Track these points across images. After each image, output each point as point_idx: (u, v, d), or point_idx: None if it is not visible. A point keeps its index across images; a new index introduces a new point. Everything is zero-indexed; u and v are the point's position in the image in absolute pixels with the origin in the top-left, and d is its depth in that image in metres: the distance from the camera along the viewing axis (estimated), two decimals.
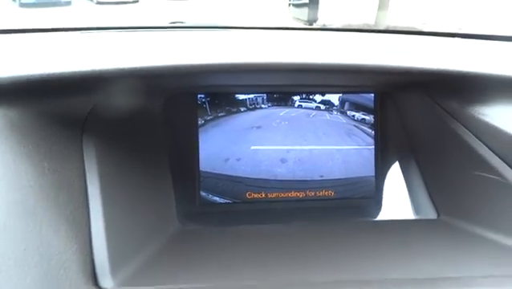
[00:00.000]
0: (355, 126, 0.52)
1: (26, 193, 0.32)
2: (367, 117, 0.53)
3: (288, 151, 0.52)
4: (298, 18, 7.55)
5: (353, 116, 0.52)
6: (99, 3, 12.89)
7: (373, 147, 0.56)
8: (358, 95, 0.53)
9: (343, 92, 0.57)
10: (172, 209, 0.50)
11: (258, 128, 0.53)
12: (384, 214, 0.54)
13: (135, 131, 0.47)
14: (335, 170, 0.53)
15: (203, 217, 0.53)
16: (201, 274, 0.39)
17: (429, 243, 0.46)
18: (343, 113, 0.53)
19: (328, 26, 6.61)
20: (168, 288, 0.33)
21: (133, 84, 0.44)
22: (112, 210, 0.39)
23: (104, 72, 0.39)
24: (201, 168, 0.53)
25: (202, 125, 0.52)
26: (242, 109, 0.53)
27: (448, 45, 0.74)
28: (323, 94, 0.56)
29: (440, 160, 0.51)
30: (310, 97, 0.54)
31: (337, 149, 0.52)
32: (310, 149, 0.52)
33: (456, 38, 0.82)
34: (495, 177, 0.44)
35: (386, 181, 0.56)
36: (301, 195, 0.54)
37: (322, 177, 0.54)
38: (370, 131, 0.54)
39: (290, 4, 8.23)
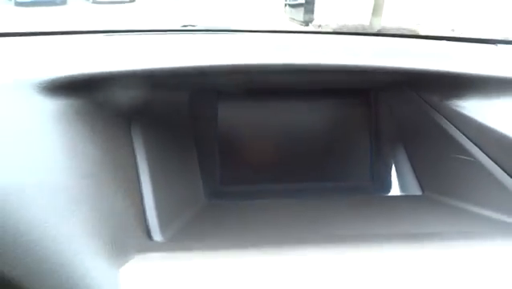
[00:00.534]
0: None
1: (93, 170, 0.40)
2: None
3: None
4: (294, 19, 7.63)
5: None
6: (95, 2, 12.86)
7: (369, 138, 0.65)
8: None
9: (343, 89, 0.65)
10: (200, 186, 0.58)
11: None
12: (377, 192, 0.63)
13: (167, 120, 0.55)
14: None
15: (224, 194, 0.61)
16: (228, 235, 0.47)
17: (414, 211, 0.55)
18: None
19: (329, 30, 6.70)
20: (205, 244, 0.41)
21: (165, 81, 0.53)
22: (156, 184, 0.47)
23: (149, 71, 0.48)
24: (219, 159, 0.62)
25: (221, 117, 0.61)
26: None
27: (434, 47, 0.82)
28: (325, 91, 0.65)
29: (424, 145, 0.60)
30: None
31: None
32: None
33: (443, 41, 0.91)
34: (469, 158, 0.53)
35: (379, 164, 0.65)
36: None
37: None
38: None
39: (286, 5, 8.31)
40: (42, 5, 11.90)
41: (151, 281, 0.35)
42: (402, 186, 0.62)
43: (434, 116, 0.57)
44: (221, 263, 0.37)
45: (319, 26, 7.04)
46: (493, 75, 0.56)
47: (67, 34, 0.86)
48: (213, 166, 0.62)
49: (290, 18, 7.88)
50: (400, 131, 0.64)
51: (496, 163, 0.51)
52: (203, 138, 0.61)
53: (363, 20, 7.07)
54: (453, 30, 6.18)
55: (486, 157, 0.52)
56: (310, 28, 6.93)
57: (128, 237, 0.39)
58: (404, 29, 6.17)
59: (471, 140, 0.53)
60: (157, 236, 0.43)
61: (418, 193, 0.60)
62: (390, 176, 0.64)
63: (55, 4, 12.44)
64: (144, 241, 0.42)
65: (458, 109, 0.54)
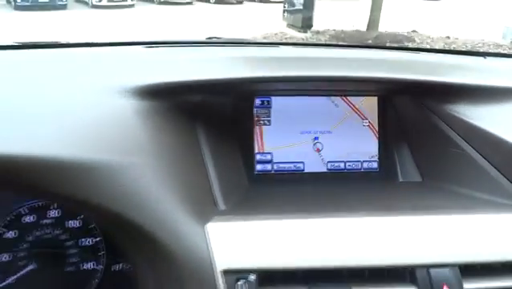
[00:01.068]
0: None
1: (172, 153, 0.53)
2: None
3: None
4: (293, 25, 7.80)
5: None
6: (94, 7, 13.01)
7: (377, 135, 0.78)
8: None
9: (354, 95, 0.78)
10: (243, 172, 0.71)
11: None
12: (384, 179, 0.76)
13: (220, 116, 0.68)
14: None
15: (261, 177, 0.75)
16: (278, 203, 0.61)
17: (416, 192, 0.68)
18: None
19: (327, 36, 6.85)
20: (259, 211, 0.54)
21: (217, 88, 0.66)
22: (216, 165, 0.60)
23: (209, 81, 0.61)
24: (256, 151, 0.75)
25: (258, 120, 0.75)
26: None
27: (431, 59, 0.96)
28: (338, 96, 0.78)
29: (424, 141, 0.73)
30: None
31: None
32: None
33: (438, 54, 1.04)
34: (460, 151, 0.66)
35: (386, 157, 0.78)
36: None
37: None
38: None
39: (284, 11, 8.50)
40: (42, 9, 11.96)
41: (229, 237, 0.48)
42: (405, 175, 0.75)
43: (432, 117, 0.70)
44: (278, 225, 0.50)
45: (318, 32, 7.20)
46: (482, 85, 0.70)
47: (110, 45, 0.99)
48: (251, 159, 0.75)
49: (289, 25, 8.03)
50: (403, 130, 0.77)
51: (482, 155, 0.65)
52: (244, 135, 0.74)
53: (360, 26, 7.26)
54: (448, 38, 6.38)
55: (474, 150, 0.65)
56: (308, 34, 7.08)
57: (202, 204, 0.52)
58: (400, 35, 6.34)
59: (462, 137, 0.66)
60: (221, 206, 0.56)
61: (419, 180, 0.73)
62: (395, 166, 0.77)
63: (55, 8, 12.50)
64: (214, 209, 0.55)
65: (452, 112, 0.67)
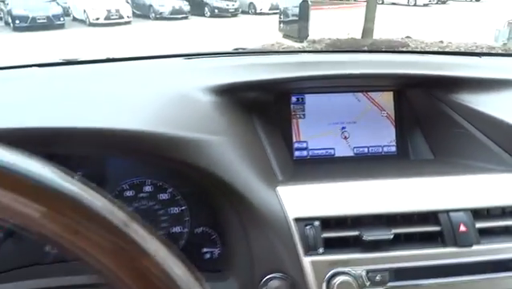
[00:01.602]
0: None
1: (246, 136, 0.69)
2: None
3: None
4: (289, 36, 8.02)
5: None
6: (91, 25, 13.22)
7: (394, 124, 0.93)
8: None
9: (373, 91, 0.94)
10: (288, 156, 0.86)
11: None
12: (401, 158, 0.91)
13: (266, 112, 0.83)
14: None
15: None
16: (323, 177, 0.75)
17: (431, 164, 0.83)
18: None
19: (323, 45, 7.05)
20: (314, 180, 0.69)
21: (265, 87, 0.81)
22: (270, 148, 0.74)
23: (261, 81, 0.77)
24: (294, 140, 0.90)
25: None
26: None
27: (433, 59, 1.12)
28: (359, 92, 0.94)
29: (435, 126, 0.88)
30: None
31: None
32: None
33: (439, 55, 1.20)
34: (464, 131, 0.81)
35: (402, 140, 0.93)
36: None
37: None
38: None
39: (280, 22, 8.72)
40: (41, 29, 12.10)
41: (295, 195, 0.63)
42: (419, 154, 0.90)
43: (440, 105, 0.86)
44: (330, 186, 0.65)
45: (314, 41, 7.41)
46: (481, 77, 0.86)
47: (153, 58, 1.14)
48: (290, 146, 0.90)
49: (285, 35, 8.23)
50: (416, 118, 0.92)
51: (483, 133, 0.80)
52: (284, 126, 0.89)
53: (354, 35, 7.49)
54: (441, 42, 6.60)
55: (476, 130, 0.81)
56: (305, 44, 7.28)
57: (268, 175, 0.67)
58: (394, 41, 6.56)
59: (466, 120, 0.82)
60: (280, 177, 0.71)
61: (431, 157, 0.88)
62: (411, 148, 0.92)
63: (53, 28, 12.63)
64: (275, 178, 0.70)
65: (457, 100, 0.83)
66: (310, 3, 7.58)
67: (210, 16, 14.19)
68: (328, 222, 0.61)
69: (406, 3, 15.63)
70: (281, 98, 0.90)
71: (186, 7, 13.85)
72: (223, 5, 14.18)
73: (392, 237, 0.60)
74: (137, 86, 0.74)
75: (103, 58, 1.17)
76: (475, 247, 0.60)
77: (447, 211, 0.62)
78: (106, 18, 13.40)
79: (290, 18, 8.34)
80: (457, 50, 5.66)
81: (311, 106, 0.93)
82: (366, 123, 0.94)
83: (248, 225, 0.60)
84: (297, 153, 0.92)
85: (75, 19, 14.18)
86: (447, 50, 5.78)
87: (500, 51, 6.23)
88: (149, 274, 0.25)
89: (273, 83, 0.83)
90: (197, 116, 0.64)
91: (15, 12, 12.51)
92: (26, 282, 0.64)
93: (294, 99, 0.92)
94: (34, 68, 0.97)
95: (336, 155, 0.94)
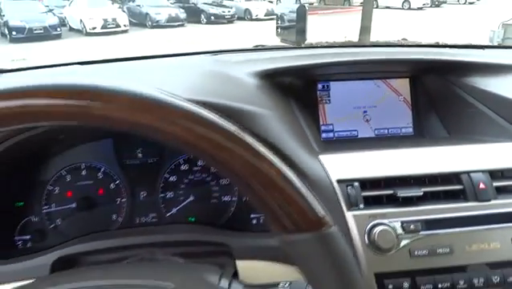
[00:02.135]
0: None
1: (286, 113, 0.78)
2: None
3: None
4: (287, 40, 8.13)
5: None
6: (88, 34, 13.32)
7: (411, 107, 1.03)
8: None
9: (391, 78, 1.03)
10: (318, 137, 0.95)
11: None
12: (418, 138, 1.01)
13: (299, 96, 0.92)
14: None
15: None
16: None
17: (446, 140, 0.93)
18: None
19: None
20: (349, 149, 0.78)
21: (298, 73, 0.91)
22: (306, 126, 0.84)
23: (294, 67, 0.87)
24: (321, 123, 1.00)
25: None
26: None
27: (441, 51, 1.22)
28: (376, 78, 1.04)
29: (449, 107, 0.97)
30: None
31: None
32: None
33: (445, 48, 1.30)
34: (476, 110, 0.91)
35: (418, 122, 1.03)
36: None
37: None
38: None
39: (277, 27, 8.85)
40: (37, 40, 12.16)
41: (335, 161, 0.72)
42: (435, 134, 0.99)
43: (453, 88, 0.96)
44: (363, 153, 0.75)
45: (311, 44, 7.54)
46: (491, 62, 0.96)
47: (182, 55, 1.23)
48: (317, 127, 1.00)
49: (283, 40, 8.34)
50: (430, 101, 1.02)
51: (492, 110, 0.90)
52: (310, 111, 0.99)
53: (351, 37, 7.63)
54: (437, 43, 6.73)
55: (486, 108, 0.90)
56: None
57: (308, 146, 0.77)
58: (391, 43, 6.67)
59: (477, 100, 0.91)
60: (317, 149, 0.80)
61: (446, 136, 0.98)
62: (427, 129, 1.02)
63: (50, 38, 12.70)
64: (314, 150, 0.79)
65: (469, 83, 0.92)
66: (306, 8, 7.70)
67: (206, 23, 14.32)
68: (365, 183, 0.70)
69: (400, 7, 15.87)
70: (309, 85, 1.00)
71: (182, 15, 13.96)
72: (219, 11, 14.31)
73: (421, 194, 0.69)
74: (186, 73, 0.83)
75: (136, 56, 1.26)
76: (493, 202, 0.70)
77: (468, 172, 0.71)
78: (103, 28, 13.49)
79: (288, 23, 8.46)
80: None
81: (336, 92, 1.03)
82: (385, 107, 1.04)
83: None
84: (324, 135, 1.01)
85: (71, 29, 14.27)
86: None
87: None
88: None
89: (304, 69, 0.92)
90: (247, 94, 0.74)
91: (12, 23, 12.55)
92: (97, 242, 0.72)
93: (320, 86, 1.02)
94: (75, 66, 1.05)
95: (359, 136, 1.03)
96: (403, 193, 0.69)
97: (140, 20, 14.12)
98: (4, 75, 0.88)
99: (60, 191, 0.76)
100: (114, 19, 13.36)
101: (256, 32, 10.61)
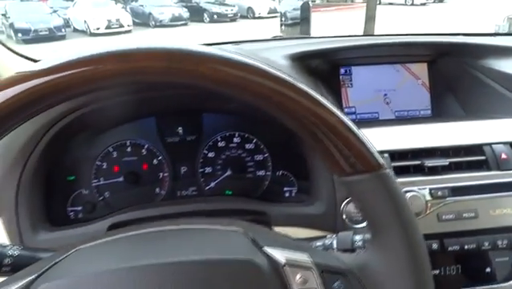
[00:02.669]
0: None
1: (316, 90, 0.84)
2: None
3: None
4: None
5: None
6: (92, 35, 13.40)
7: (429, 90, 1.08)
8: None
9: (409, 62, 1.09)
10: None
11: None
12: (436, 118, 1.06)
13: (324, 79, 0.98)
14: None
15: None
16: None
17: (462, 118, 0.98)
18: None
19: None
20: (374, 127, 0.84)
21: (323, 56, 0.97)
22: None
23: (320, 50, 0.92)
24: (344, 106, 1.05)
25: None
26: None
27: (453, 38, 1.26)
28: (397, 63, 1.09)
29: (465, 88, 1.02)
30: None
31: None
32: None
33: (458, 36, 1.35)
34: (492, 89, 0.96)
35: (436, 103, 1.08)
36: None
37: None
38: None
39: (281, 25, 8.92)
40: (43, 41, 12.24)
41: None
42: (452, 115, 1.05)
43: (470, 70, 1.01)
44: (390, 129, 0.80)
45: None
46: (505, 45, 1.01)
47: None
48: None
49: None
50: (447, 83, 1.07)
51: (508, 90, 0.95)
52: (335, 90, 1.04)
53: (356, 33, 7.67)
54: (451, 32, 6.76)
55: (502, 87, 0.95)
56: None
57: None
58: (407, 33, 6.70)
59: (493, 80, 0.97)
60: None
61: (464, 115, 1.03)
62: (444, 110, 1.07)
63: (55, 39, 12.77)
64: None
65: (485, 65, 0.97)
66: (310, 5, 7.73)
67: (209, 22, 14.36)
68: (394, 155, 0.76)
69: (403, 3, 15.84)
70: (332, 70, 1.05)
71: (186, 14, 14.01)
72: (222, 10, 14.36)
73: (447, 164, 0.74)
74: None
75: None
76: None
77: (490, 144, 0.77)
78: (107, 28, 13.53)
79: (291, 21, 8.50)
80: None
81: (357, 76, 1.08)
82: (404, 90, 1.09)
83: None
84: None
85: (75, 30, 14.34)
86: None
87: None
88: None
89: (329, 52, 0.98)
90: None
91: (17, 25, 12.62)
92: (144, 210, 0.77)
93: (342, 70, 1.07)
94: None
95: (380, 118, 1.09)
96: (430, 163, 0.74)
97: (143, 20, 14.18)
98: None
99: (108, 166, 0.81)
100: (117, 20, 13.41)
101: (259, 30, 10.65)
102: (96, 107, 0.70)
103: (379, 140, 0.78)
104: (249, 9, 14.80)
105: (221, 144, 0.85)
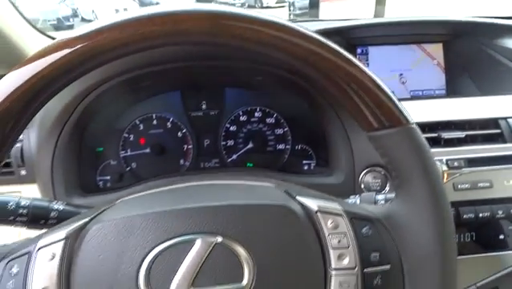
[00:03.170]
0: None
1: None
2: None
3: None
4: None
5: None
6: None
7: (444, 70, 1.10)
8: None
9: (425, 42, 1.10)
10: None
11: None
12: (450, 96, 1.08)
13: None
14: None
15: None
16: None
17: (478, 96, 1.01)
18: None
19: None
20: None
21: (342, 32, 0.99)
22: None
23: (340, 28, 0.95)
24: None
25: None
26: None
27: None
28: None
29: (480, 68, 1.04)
30: None
31: None
32: None
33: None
34: (507, 68, 0.98)
35: (451, 83, 1.10)
36: None
37: None
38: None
39: (290, 14, 8.88)
40: (52, 30, 12.29)
41: None
42: (467, 93, 1.07)
43: (486, 49, 1.02)
44: (408, 104, 0.83)
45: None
46: None
47: None
48: None
49: None
50: (462, 64, 1.09)
51: None
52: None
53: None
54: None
55: None
56: None
57: None
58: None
59: (508, 59, 0.98)
60: None
61: (479, 94, 1.05)
62: (459, 89, 1.09)
63: (63, 29, 12.79)
64: None
65: (501, 44, 0.99)
66: None
67: None
68: None
69: None
70: (348, 49, 1.07)
71: None
72: (229, 0, 14.30)
73: (463, 136, 0.77)
74: None
75: None
76: None
77: (505, 118, 0.79)
78: None
79: (299, 11, 8.48)
80: None
81: (374, 56, 1.10)
82: (420, 70, 1.11)
83: (350, 130, 0.77)
84: None
85: (83, 20, 14.39)
86: None
87: None
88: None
89: (346, 30, 1.00)
90: None
91: (26, 15, 12.67)
92: (170, 179, 0.81)
93: (359, 50, 1.10)
94: None
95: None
96: (446, 135, 0.77)
97: None
98: None
99: (134, 138, 0.85)
100: (125, 9, 13.40)
101: None
102: (127, 78, 0.73)
103: None
104: None
105: (242, 118, 0.88)
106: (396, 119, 0.43)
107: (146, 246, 0.40)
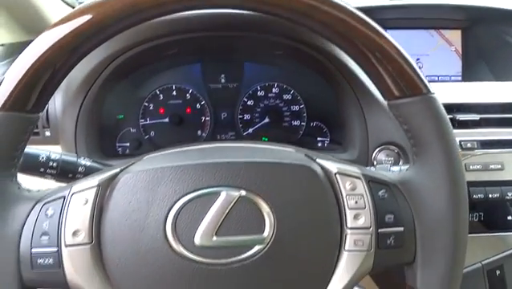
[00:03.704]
0: None
1: None
2: None
3: None
4: None
5: None
6: None
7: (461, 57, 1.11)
8: None
9: (444, 28, 1.10)
10: None
11: None
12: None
13: None
14: None
15: None
16: None
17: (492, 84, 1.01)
18: None
19: None
20: None
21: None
22: None
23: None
24: None
25: None
26: None
27: None
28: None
29: (498, 55, 1.04)
30: None
31: None
32: None
33: None
34: None
35: (467, 69, 1.10)
36: None
37: None
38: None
39: None
40: None
41: None
42: (483, 80, 1.07)
43: (505, 37, 1.03)
44: None
45: None
46: None
47: None
48: None
49: None
50: (479, 51, 1.09)
51: None
52: None
53: None
54: None
55: None
56: None
57: None
58: None
59: None
60: None
61: (494, 80, 1.05)
62: (475, 76, 1.09)
63: None
64: None
65: None
66: None
67: None
68: None
69: None
70: None
71: None
72: None
73: (478, 118, 0.78)
74: None
75: None
76: None
77: None
78: None
79: None
80: None
81: None
82: (437, 55, 1.12)
83: (366, 108, 0.79)
84: None
85: None
86: None
87: None
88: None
89: (367, 10, 1.00)
90: None
91: None
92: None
93: None
94: None
95: None
96: (461, 117, 0.78)
97: None
98: None
99: (154, 107, 0.87)
100: None
101: None
102: (154, 45, 0.74)
103: None
104: None
105: (260, 93, 0.90)
106: (418, 88, 0.45)
107: (174, 195, 0.42)
